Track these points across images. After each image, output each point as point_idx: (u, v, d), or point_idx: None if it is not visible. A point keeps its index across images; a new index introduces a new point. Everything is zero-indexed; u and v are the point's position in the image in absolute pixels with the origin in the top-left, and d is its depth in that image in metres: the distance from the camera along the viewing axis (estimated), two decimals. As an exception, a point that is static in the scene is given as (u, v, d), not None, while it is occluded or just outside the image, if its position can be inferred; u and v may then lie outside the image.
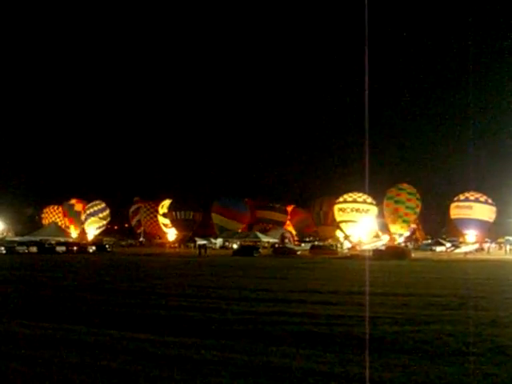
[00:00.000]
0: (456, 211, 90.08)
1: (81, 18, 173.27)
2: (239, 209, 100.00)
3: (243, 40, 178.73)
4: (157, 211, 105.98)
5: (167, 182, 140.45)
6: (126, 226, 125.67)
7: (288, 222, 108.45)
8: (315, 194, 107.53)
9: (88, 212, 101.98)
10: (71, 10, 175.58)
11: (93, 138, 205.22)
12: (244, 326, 14.10)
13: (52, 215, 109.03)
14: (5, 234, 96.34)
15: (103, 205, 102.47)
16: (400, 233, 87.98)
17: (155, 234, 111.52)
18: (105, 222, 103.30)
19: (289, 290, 24.08)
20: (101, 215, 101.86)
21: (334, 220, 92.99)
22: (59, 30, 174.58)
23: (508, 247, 78.10)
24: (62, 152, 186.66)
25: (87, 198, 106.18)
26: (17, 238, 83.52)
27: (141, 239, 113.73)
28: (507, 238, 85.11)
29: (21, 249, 68.73)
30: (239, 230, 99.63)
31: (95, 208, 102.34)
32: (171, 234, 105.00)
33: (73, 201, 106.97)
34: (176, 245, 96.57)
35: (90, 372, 9.54)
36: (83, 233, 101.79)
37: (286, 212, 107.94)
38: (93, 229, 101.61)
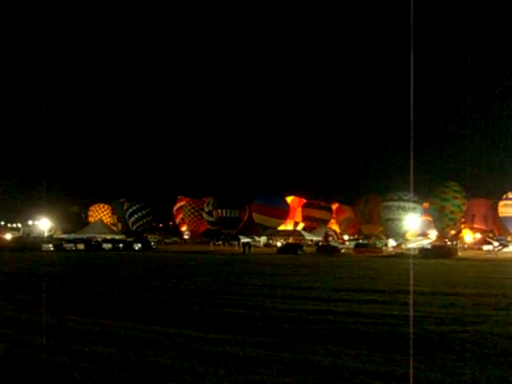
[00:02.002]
0: (504, 209, 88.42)
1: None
2: (278, 206, 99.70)
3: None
4: (201, 209, 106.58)
5: (210, 179, 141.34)
6: (171, 223, 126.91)
7: (333, 220, 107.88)
8: (360, 191, 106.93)
9: (131, 210, 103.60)
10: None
11: (137, 140, 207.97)
12: (289, 324, 14.11)
13: (98, 213, 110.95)
14: (53, 231, 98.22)
15: (144, 203, 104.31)
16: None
17: (200, 231, 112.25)
18: (147, 220, 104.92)
19: (333, 288, 24.01)
20: (144, 212, 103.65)
21: (380, 218, 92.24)
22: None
23: None
24: (107, 152, 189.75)
25: (132, 197, 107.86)
26: (64, 236, 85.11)
27: (185, 237, 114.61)
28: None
29: (68, 246, 69.95)
30: (280, 227, 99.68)
31: (137, 205, 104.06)
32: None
33: (122, 199, 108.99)
34: (220, 242, 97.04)
35: (136, 367, 9.68)
36: (128, 230, 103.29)
37: (331, 210, 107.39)
38: (136, 226, 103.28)
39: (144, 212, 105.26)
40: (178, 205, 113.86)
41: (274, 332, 13.10)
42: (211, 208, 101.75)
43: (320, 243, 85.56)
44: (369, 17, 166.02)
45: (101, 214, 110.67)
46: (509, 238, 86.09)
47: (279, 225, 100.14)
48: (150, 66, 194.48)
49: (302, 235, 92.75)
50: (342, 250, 73.35)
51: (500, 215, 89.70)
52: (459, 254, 64.41)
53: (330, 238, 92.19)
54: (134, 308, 17.38)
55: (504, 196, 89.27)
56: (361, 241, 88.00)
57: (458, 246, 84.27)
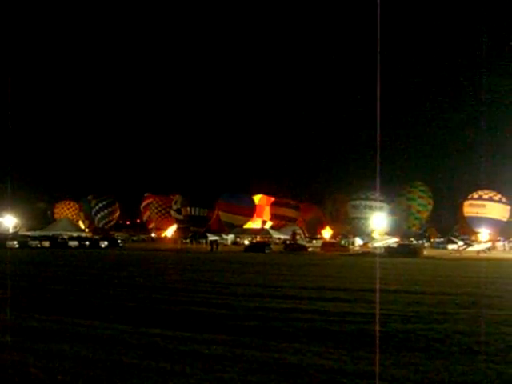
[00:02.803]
0: (469, 209, 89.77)
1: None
2: (243, 203, 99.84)
3: (249, 38, 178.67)
4: (169, 207, 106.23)
5: (178, 177, 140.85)
6: (138, 221, 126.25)
7: (300, 219, 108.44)
8: (328, 191, 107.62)
9: (97, 207, 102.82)
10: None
11: (105, 136, 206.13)
12: (255, 322, 14.10)
13: (64, 210, 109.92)
14: (18, 228, 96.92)
15: (110, 200, 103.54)
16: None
17: (165, 229, 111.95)
18: (114, 217, 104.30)
19: (300, 286, 24.08)
20: (110, 209, 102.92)
21: (347, 217, 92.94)
22: (68, 31, 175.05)
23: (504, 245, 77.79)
24: (73, 149, 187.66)
25: (100, 195, 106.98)
26: (29, 233, 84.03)
27: (152, 234, 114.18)
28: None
29: (33, 243, 69.16)
30: (247, 226, 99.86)
31: (104, 203, 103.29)
32: (170, 231, 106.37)
33: (90, 196, 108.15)
34: (188, 240, 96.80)
35: (101, 366, 9.58)
36: (95, 228, 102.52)
37: (299, 208, 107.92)
38: (102, 223, 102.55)
39: (110, 209, 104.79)
40: (145, 202, 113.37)
41: (240, 330, 13.08)
42: (179, 206, 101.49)
43: (287, 241, 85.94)
44: (333, 16, 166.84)
45: (67, 211, 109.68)
46: (473, 238, 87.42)
47: (246, 222, 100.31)
48: (120, 61, 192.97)
49: (270, 233, 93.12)
50: (309, 249, 73.74)
51: (465, 215, 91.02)
52: (425, 252, 65.18)
53: (298, 237, 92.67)
54: (100, 306, 17.20)
55: (469, 196, 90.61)
56: (328, 239, 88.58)
57: (424, 244, 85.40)
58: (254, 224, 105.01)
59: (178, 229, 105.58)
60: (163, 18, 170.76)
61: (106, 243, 75.80)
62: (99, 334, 12.47)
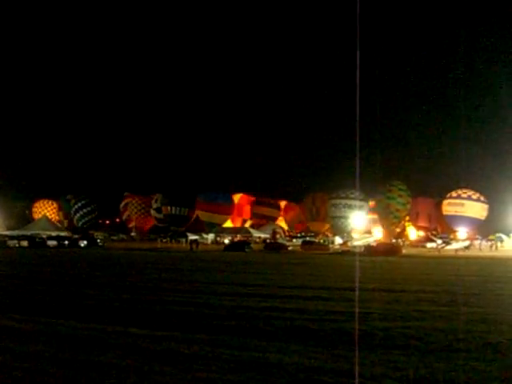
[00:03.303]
0: (448, 208, 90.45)
1: (79, 18, 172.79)
2: (221, 202, 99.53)
3: (229, 37, 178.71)
4: (149, 206, 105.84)
5: (158, 177, 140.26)
6: (118, 220, 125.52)
7: (280, 218, 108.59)
8: (307, 189, 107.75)
9: (76, 206, 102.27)
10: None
11: (83, 135, 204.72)
12: (235, 321, 14.10)
13: (42, 209, 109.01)
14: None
15: (89, 199, 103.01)
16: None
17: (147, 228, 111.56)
18: (93, 216, 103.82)
19: (280, 285, 24.11)
20: (89, 208, 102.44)
21: (327, 216, 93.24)
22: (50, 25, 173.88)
23: (499, 244, 78.41)
24: (52, 147, 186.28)
25: (79, 194, 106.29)
26: (7, 232, 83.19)
27: (132, 234, 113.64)
28: (498, 234, 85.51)
29: (12, 243, 68.58)
30: (227, 224, 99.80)
31: (83, 202, 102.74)
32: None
33: (69, 196, 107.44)
34: (167, 239, 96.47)
35: (80, 367, 9.52)
36: (74, 227, 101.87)
37: (279, 207, 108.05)
38: (81, 223, 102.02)
39: (89, 208, 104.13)
40: (125, 201, 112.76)
41: (220, 329, 13.06)
42: (159, 205, 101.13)
43: (268, 240, 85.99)
44: (312, 15, 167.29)
45: (45, 210, 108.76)
46: (452, 236, 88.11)
47: (225, 220, 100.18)
48: (100, 61, 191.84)
49: (250, 232, 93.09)
50: (290, 248, 73.79)
51: (444, 213, 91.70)
52: (404, 251, 65.57)
53: (278, 236, 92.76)
54: (79, 306, 17.09)
55: (448, 195, 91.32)
56: (308, 238, 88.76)
57: (403, 243, 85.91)
58: (234, 223, 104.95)
59: (157, 228, 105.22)
60: (142, 14, 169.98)
61: (85, 242, 75.21)
62: (77, 334, 12.39)
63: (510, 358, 10.41)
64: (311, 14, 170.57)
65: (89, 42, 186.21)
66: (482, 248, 76.83)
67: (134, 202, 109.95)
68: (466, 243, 78.10)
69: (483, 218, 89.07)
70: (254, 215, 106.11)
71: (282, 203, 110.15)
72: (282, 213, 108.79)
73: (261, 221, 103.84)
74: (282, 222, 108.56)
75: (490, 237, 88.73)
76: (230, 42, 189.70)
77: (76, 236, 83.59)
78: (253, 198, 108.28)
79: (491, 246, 75.53)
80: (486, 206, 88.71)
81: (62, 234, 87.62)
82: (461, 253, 65.84)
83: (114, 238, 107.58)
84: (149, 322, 14.15)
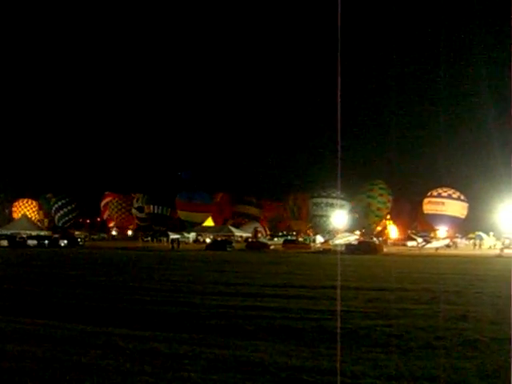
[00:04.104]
0: (429, 206, 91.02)
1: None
2: (200, 200, 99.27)
3: (202, 37, 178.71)
4: (129, 205, 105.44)
5: (138, 176, 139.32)
6: (98, 219, 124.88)
7: (262, 217, 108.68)
8: (289, 188, 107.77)
9: (57, 205, 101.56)
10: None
11: (62, 133, 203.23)
12: (217, 321, 14.07)
13: (22, 208, 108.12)
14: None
15: (70, 198, 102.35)
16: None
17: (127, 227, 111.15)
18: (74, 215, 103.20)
19: (261, 284, 24.11)
20: (70, 207, 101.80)
21: (308, 214, 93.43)
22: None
23: (478, 242, 78.96)
24: (31, 146, 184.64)
25: (59, 192, 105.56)
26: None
27: (113, 233, 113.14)
28: (478, 233, 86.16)
29: (-9, 242, 67.95)
30: (208, 223, 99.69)
31: (63, 201, 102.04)
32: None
33: (49, 194, 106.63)
34: (149, 239, 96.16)
35: (60, 367, 9.43)
36: (54, 226, 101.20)
37: (261, 206, 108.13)
38: (62, 222, 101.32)
39: (70, 207, 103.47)
40: (105, 201, 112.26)
41: (201, 328, 13.03)
42: (141, 204, 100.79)
43: (249, 239, 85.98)
44: (292, 14, 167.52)
45: (25, 209, 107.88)
46: (432, 235, 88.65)
47: (205, 218, 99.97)
48: (76, 60, 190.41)
49: (232, 231, 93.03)
50: (271, 247, 73.82)
51: (425, 212, 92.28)
52: (384, 249, 65.87)
53: (259, 235, 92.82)
54: (59, 306, 16.98)
55: (429, 194, 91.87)
56: (289, 237, 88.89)
57: (385, 242, 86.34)
58: (216, 222, 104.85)
59: (139, 227, 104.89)
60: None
61: (65, 242, 74.64)
62: (58, 334, 12.30)
63: (489, 355, 10.47)
64: (286, 12, 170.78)
65: (64, 37, 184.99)
66: (460, 246, 77.45)
67: (114, 201, 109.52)
68: (447, 241, 78.58)
69: (463, 217, 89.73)
70: (235, 214, 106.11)
71: (264, 202, 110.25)
72: (263, 212, 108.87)
73: (242, 220, 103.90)
74: (263, 221, 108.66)
75: (470, 235, 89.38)
76: (209, 40, 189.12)
77: (56, 235, 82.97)
78: (235, 197, 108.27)
79: (475, 245, 76.01)
80: (466, 205, 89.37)
81: (42, 233, 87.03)
82: (441, 251, 66.26)
83: (95, 237, 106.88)
84: (129, 321, 14.09)
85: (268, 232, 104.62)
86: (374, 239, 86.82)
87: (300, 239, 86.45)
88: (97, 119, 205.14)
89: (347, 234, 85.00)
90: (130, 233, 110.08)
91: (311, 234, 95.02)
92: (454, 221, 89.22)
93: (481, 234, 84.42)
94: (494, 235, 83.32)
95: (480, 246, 74.48)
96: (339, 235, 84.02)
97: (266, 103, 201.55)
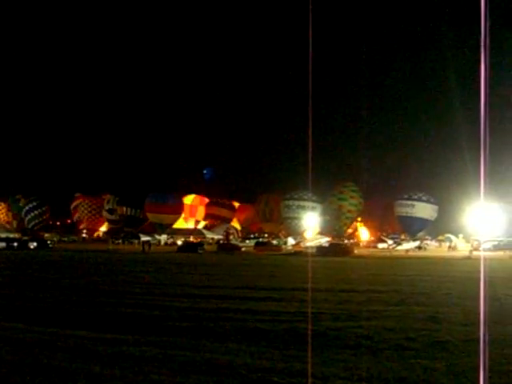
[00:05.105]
0: (400, 209, 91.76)
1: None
2: (167, 201, 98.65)
3: (178, 36, 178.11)
4: (100, 207, 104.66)
5: (108, 177, 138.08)
6: (69, 221, 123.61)
7: (234, 219, 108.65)
8: (261, 190, 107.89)
9: (27, 207, 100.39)
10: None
11: (31, 133, 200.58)
12: (187, 323, 14.03)
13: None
14: None
15: (41, 200, 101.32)
16: None
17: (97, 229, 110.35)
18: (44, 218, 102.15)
19: (232, 286, 24.10)
20: (41, 210, 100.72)
21: (280, 216, 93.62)
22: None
23: (448, 244, 79.87)
24: (2, 146, 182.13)
25: (29, 194, 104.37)
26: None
27: (83, 235, 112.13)
28: (447, 235, 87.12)
29: (-42, 245, 66.86)
30: (179, 225, 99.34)
31: (34, 203, 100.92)
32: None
33: (18, 196, 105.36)
34: (119, 241, 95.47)
35: (29, 370, 9.32)
36: (24, 228, 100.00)
37: (233, 208, 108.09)
38: (32, 224, 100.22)
39: (41, 210, 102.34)
40: (76, 203, 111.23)
41: (172, 331, 12.98)
42: (112, 206, 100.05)
43: (221, 241, 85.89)
44: (266, 14, 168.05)
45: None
46: (403, 237, 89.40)
47: (174, 220, 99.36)
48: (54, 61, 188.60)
49: (203, 233, 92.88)
50: (243, 249, 73.88)
51: (396, 214, 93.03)
52: (355, 251, 66.28)
53: (231, 237, 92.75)
54: (28, 309, 16.77)
55: (399, 196, 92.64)
56: (261, 239, 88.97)
57: (356, 244, 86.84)
58: (187, 224, 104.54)
59: (111, 229, 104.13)
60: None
61: (34, 244, 73.74)
62: (26, 337, 12.16)
63: (458, 355, 10.58)
64: (253, 11, 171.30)
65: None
66: (429, 248, 78.36)
67: (84, 203, 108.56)
68: (416, 243, 79.35)
69: (433, 219, 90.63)
70: (208, 216, 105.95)
71: (236, 204, 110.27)
72: (235, 214, 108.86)
73: (215, 221, 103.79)
74: (235, 223, 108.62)
75: (440, 237, 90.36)
76: (178, 44, 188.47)
77: (26, 238, 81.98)
78: (207, 199, 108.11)
79: (449, 247, 76.85)
80: (435, 207, 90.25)
81: (11, 235, 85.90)
82: (411, 253, 66.90)
83: (65, 239, 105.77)
84: (99, 324, 13.97)
85: (240, 234, 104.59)
86: (345, 241, 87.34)
87: (274, 242, 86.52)
88: (66, 121, 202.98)
89: (318, 235, 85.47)
90: (100, 235, 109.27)
91: (283, 236, 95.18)
92: (424, 223, 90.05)
93: (450, 236, 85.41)
94: (463, 237, 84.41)
95: (454, 248, 75.21)
96: (311, 237, 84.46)
97: (238, 105, 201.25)
